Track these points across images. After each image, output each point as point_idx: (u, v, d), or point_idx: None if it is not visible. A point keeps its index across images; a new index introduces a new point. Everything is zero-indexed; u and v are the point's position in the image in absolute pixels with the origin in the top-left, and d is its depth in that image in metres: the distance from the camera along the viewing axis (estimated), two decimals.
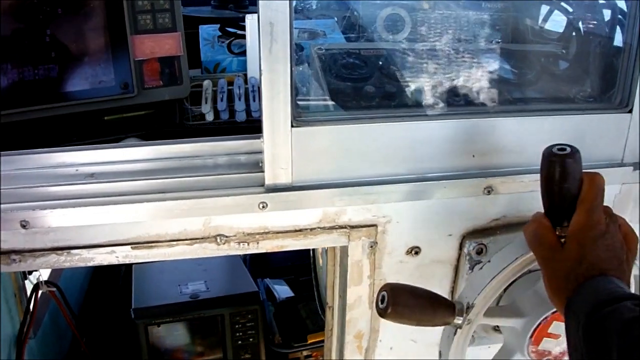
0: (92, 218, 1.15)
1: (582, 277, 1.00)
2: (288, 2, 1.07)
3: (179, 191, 1.18)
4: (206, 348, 2.14)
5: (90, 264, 1.21)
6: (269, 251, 1.26)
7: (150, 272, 2.28)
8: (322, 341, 2.03)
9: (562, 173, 1.06)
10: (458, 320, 1.16)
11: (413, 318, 1.13)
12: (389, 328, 1.38)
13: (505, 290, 1.33)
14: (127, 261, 1.22)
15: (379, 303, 1.12)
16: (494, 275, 1.15)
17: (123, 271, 2.76)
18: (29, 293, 2.08)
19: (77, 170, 1.21)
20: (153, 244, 1.21)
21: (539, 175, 1.23)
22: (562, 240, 1.07)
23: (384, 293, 1.11)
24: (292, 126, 1.15)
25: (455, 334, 1.18)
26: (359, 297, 1.34)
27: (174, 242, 1.22)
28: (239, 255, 2.44)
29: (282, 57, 1.10)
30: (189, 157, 1.24)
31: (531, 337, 1.25)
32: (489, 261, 1.19)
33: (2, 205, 1.13)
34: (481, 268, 1.19)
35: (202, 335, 2.12)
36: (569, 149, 1.06)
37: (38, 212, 1.13)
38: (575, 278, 1.00)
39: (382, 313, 1.11)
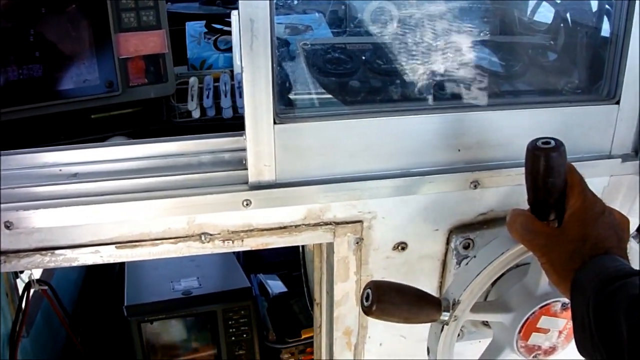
0: (75, 218, 1.14)
1: (587, 256, 0.99)
2: None
3: (163, 190, 1.17)
4: (200, 344, 2.14)
5: (75, 264, 1.20)
6: (253, 249, 1.26)
7: (143, 269, 2.28)
8: None
9: (546, 167, 1.05)
10: (445, 317, 1.15)
11: (398, 315, 1.12)
12: (378, 324, 1.37)
13: (492, 285, 1.33)
14: (111, 261, 1.21)
15: (364, 301, 1.11)
16: (479, 271, 1.15)
17: (117, 269, 2.76)
18: (20, 292, 2.08)
19: (60, 170, 1.20)
20: (137, 243, 1.20)
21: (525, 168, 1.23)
22: None
23: (368, 290, 1.10)
24: (274, 123, 1.15)
25: (442, 330, 1.17)
26: (346, 294, 1.33)
27: (158, 241, 1.21)
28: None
29: (262, 53, 1.09)
30: (172, 156, 1.23)
31: (520, 332, 1.25)
32: (475, 256, 1.18)
33: None
34: (467, 263, 1.18)
35: (195, 332, 2.12)
36: (553, 143, 1.05)
37: (22, 213, 1.12)
38: (580, 257, 1.00)
39: (367, 311, 1.10)
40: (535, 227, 1.08)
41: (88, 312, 2.58)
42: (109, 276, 2.75)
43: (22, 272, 2.11)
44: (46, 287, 2.12)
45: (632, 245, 1.20)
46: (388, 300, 1.11)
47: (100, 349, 2.38)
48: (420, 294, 1.16)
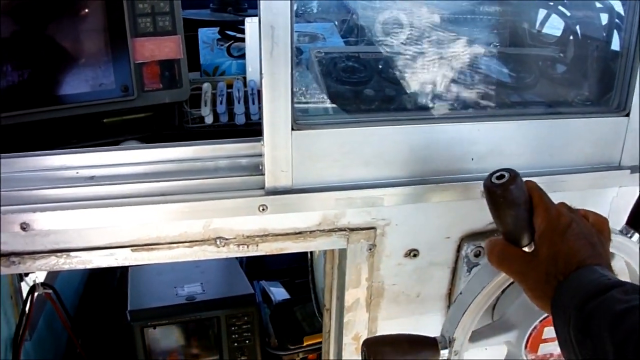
0: (92, 220, 1.15)
1: (561, 275, 0.98)
2: (289, 4, 1.07)
3: (180, 194, 1.18)
4: (202, 350, 2.14)
5: (90, 266, 1.21)
6: (268, 254, 1.27)
7: (146, 274, 2.28)
8: (318, 343, 2.04)
9: (505, 201, 1.05)
10: (444, 356, 1.16)
11: None
12: (387, 331, 1.38)
13: (494, 307, 1.35)
14: (126, 263, 1.22)
15: (363, 358, 1.13)
16: (467, 307, 1.15)
17: (119, 273, 2.76)
18: (24, 295, 2.08)
19: (77, 172, 1.21)
20: (153, 247, 1.21)
21: (537, 177, 1.24)
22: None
23: (364, 349, 1.13)
24: (292, 129, 1.16)
25: None
26: (357, 300, 1.34)
27: (174, 245, 1.22)
28: (236, 257, 2.45)
29: (282, 60, 1.10)
30: (189, 160, 1.24)
31: (526, 347, 1.26)
32: (461, 293, 1.19)
33: (2, 208, 1.12)
34: (455, 301, 1.19)
35: (198, 338, 2.12)
36: (507, 175, 1.05)
37: (38, 215, 1.12)
38: (555, 278, 0.99)
39: None
40: (510, 254, 1.07)
41: (90, 316, 2.58)
42: (111, 281, 2.75)
43: (27, 275, 2.11)
44: (50, 291, 2.12)
45: (620, 240, 1.21)
46: (382, 355, 1.12)
47: (102, 353, 2.37)
48: (414, 340, 1.17)
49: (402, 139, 1.24)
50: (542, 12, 1.67)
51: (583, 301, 0.91)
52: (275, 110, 1.14)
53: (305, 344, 2.14)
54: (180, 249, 1.22)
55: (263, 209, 1.19)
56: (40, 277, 2.14)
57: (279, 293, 2.37)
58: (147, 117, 1.53)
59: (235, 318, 2.07)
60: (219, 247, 1.23)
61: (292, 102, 1.14)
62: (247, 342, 2.11)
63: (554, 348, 1.27)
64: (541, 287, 1.01)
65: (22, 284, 2.13)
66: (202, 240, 1.23)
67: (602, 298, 0.90)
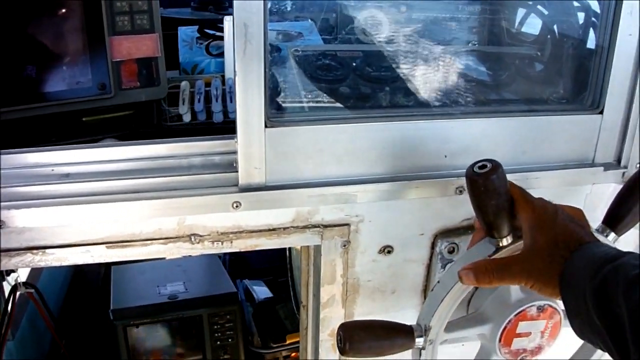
0: (67, 218, 1.15)
1: (567, 253, 0.99)
2: (262, 3, 1.08)
3: (154, 191, 1.19)
4: (185, 349, 2.15)
5: (65, 263, 1.21)
6: (242, 250, 1.27)
7: (129, 273, 2.29)
8: None
9: (487, 190, 1.06)
10: (419, 344, 1.17)
11: (372, 352, 1.15)
12: None
13: (469, 301, 1.36)
14: (102, 260, 1.22)
15: (338, 343, 1.14)
16: (444, 295, 1.15)
17: (102, 273, 2.76)
18: (6, 294, 2.07)
19: (52, 170, 1.21)
20: (128, 244, 1.22)
21: (511, 174, 1.25)
22: (505, 246, 1.09)
23: (340, 333, 1.14)
24: (265, 126, 1.16)
25: (420, 355, 1.18)
26: (333, 296, 1.35)
27: (149, 242, 1.22)
28: (218, 256, 2.45)
29: (256, 58, 1.11)
30: (163, 158, 1.24)
31: (500, 340, 1.27)
32: (438, 282, 1.19)
33: None
34: (432, 289, 1.20)
35: (181, 336, 2.12)
36: (489, 165, 1.06)
37: (13, 212, 1.13)
38: (560, 258, 0.99)
39: (342, 351, 1.14)
40: (504, 263, 1.07)
41: (74, 315, 2.57)
42: (94, 280, 2.75)
43: (8, 274, 2.10)
44: (32, 290, 2.11)
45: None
46: (358, 340, 1.13)
47: (85, 352, 2.37)
48: (390, 326, 1.17)
49: (376, 136, 1.24)
50: (521, 11, 1.68)
51: (596, 269, 0.92)
52: (249, 108, 1.14)
53: (287, 342, 2.15)
54: (154, 245, 1.22)
55: (237, 206, 1.19)
56: (22, 276, 2.14)
57: (261, 292, 2.38)
58: (126, 116, 1.54)
59: (218, 317, 2.08)
60: (193, 243, 1.23)
61: (266, 100, 1.14)
62: (229, 340, 2.12)
63: (528, 343, 1.28)
64: (547, 272, 1.00)
65: (4, 283, 2.13)
66: (176, 237, 1.23)
67: (615, 264, 0.90)
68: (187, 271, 2.29)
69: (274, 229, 1.26)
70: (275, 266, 2.49)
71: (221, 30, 1.74)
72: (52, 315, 2.27)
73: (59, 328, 2.32)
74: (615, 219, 1.21)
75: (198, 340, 2.11)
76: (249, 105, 1.14)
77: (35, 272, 2.30)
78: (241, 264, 2.57)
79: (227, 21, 1.63)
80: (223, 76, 1.65)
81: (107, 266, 2.52)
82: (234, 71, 1.12)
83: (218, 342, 2.11)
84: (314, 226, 1.28)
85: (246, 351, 2.17)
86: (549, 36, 1.59)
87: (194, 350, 2.14)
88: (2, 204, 1.14)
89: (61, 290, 2.72)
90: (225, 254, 2.50)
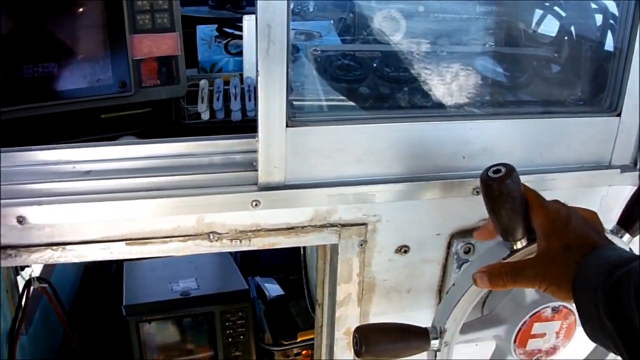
0: (87, 214, 1.16)
1: (579, 256, 0.99)
2: (286, 3, 1.09)
3: (174, 189, 1.19)
4: (197, 345, 2.15)
5: (85, 259, 1.22)
6: (260, 249, 1.28)
7: (141, 270, 2.29)
8: (312, 339, 2.04)
9: (501, 195, 1.06)
10: (435, 346, 1.18)
11: (388, 354, 1.16)
12: None
13: (484, 303, 1.37)
14: (121, 257, 1.23)
15: (354, 345, 1.15)
16: (459, 298, 1.16)
17: (114, 269, 2.77)
18: (20, 290, 2.08)
19: (74, 167, 1.22)
20: (147, 241, 1.23)
21: (527, 176, 1.26)
22: (520, 249, 1.10)
23: (356, 336, 1.14)
24: (286, 126, 1.17)
25: (436, 356, 1.19)
26: (349, 295, 1.36)
27: (168, 239, 1.23)
28: (229, 253, 2.46)
29: (278, 58, 1.12)
30: (184, 156, 1.25)
31: (515, 342, 1.27)
32: (453, 284, 1.20)
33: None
34: (447, 292, 1.20)
35: (192, 333, 2.13)
36: (503, 170, 1.06)
37: (34, 208, 1.14)
38: (573, 261, 0.99)
39: (358, 354, 1.14)
40: (518, 266, 1.08)
41: (85, 311, 2.59)
42: (106, 276, 2.76)
43: (22, 269, 2.12)
44: (46, 285, 2.13)
45: (612, 239, 1.22)
46: (374, 342, 1.14)
47: (97, 348, 2.38)
48: (405, 329, 1.18)
49: (394, 137, 1.25)
50: (537, 13, 1.68)
51: (608, 272, 0.92)
52: (270, 107, 1.15)
53: (299, 339, 2.15)
54: (174, 243, 1.24)
55: (256, 205, 1.20)
56: (36, 271, 2.15)
57: (273, 289, 2.38)
58: (144, 113, 1.54)
59: (230, 313, 2.09)
60: (212, 241, 1.24)
61: (287, 100, 1.15)
62: (241, 337, 2.12)
63: (542, 344, 1.29)
64: (560, 275, 1.01)
65: (18, 278, 2.14)
66: (195, 235, 1.24)
67: (627, 268, 0.91)
68: (198, 268, 2.30)
69: (292, 228, 1.27)
70: (287, 264, 2.50)
71: (240, 29, 1.75)
72: (64, 310, 2.29)
73: (71, 323, 2.33)
74: (630, 220, 1.22)
75: (209, 336, 2.11)
76: (270, 104, 1.15)
77: (48, 267, 2.31)
78: (253, 262, 2.58)
79: (247, 20, 1.63)
80: (241, 75, 1.66)
81: (119, 262, 2.53)
82: (256, 71, 1.13)
83: (230, 339, 2.11)
84: (332, 225, 1.28)
85: (257, 348, 2.17)
86: (566, 38, 1.60)
87: (205, 346, 2.15)
88: (23, 200, 1.15)
89: (72, 285, 2.73)
90: (236, 251, 2.51)
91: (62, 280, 2.46)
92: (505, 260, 1.11)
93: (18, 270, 2.11)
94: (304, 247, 1.91)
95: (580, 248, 1.01)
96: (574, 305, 0.99)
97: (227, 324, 2.09)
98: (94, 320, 2.51)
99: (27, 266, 2.08)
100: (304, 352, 2.17)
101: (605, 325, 0.91)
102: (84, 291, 2.75)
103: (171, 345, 2.13)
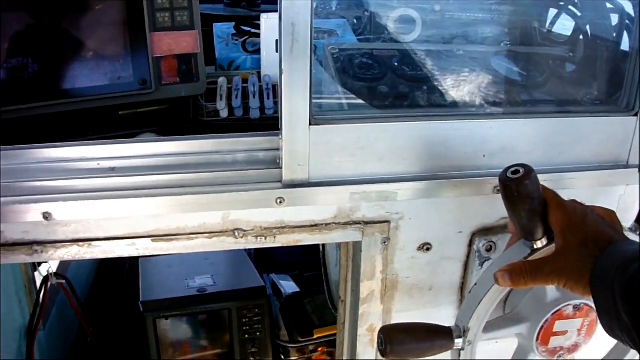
0: (113, 211, 1.17)
1: (597, 251, 1.00)
2: (310, 3, 1.10)
3: (199, 186, 1.20)
4: (213, 342, 2.17)
5: (111, 255, 1.23)
6: (284, 245, 1.29)
7: (157, 266, 2.31)
8: (328, 336, 2.07)
9: (520, 195, 1.07)
10: (458, 345, 1.18)
11: (413, 353, 1.17)
12: None
13: (506, 300, 1.38)
14: (147, 253, 1.24)
15: (379, 345, 1.16)
16: (482, 297, 1.17)
17: (128, 265, 2.79)
18: (38, 285, 2.10)
19: (98, 164, 1.23)
20: (173, 237, 1.24)
21: (546, 175, 1.27)
22: (540, 249, 1.10)
23: (381, 336, 1.15)
24: (310, 124, 1.18)
25: (460, 355, 1.20)
26: (372, 292, 1.37)
27: (194, 236, 1.24)
28: (244, 250, 2.47)
29: (302, 56, 1.13)
30: (208, 153, 1.26)
31: (537, 339, 1.28)
32: (476, 284, 1.20)
33: (25, 197, 1.15)
34: (470, 291, 1.21)
35: (209, 329, 2.15)
36: (522, 170, 1.07)
37: (60, 204, 1.15)
38: (591, 257, 1.00)
39: (383, 354, 1.15)
40: (537, 264, 1.09)
41: (100, 306, 2.61)
42: (120, 273, 2.78)
43: (40, 265, 2.14)
44: (63, 281, 2.14)
45: (629, 237, 1.23)
46: (399, 342, 1.15)
47: (113, 343, 2.40)
48: (430, 328, 1.19)
49: (416, 135, 1.26)
50: (552, 12, 1.69)
51: (625, 266, 0.93)
52: (294, 106, 1.16)
53: (315, 336, 2.17)
54: (199, 239, 1.25)
55: (280, 202, 1.21)
56: (53, 267, 2.17)
57: (288, 286, 2.39)
58: (162, 110, 1.55)
59: (246, 310, 2.11)
60: (237, 238, 1.25)
61: (311, 98, 1.16)
62: (257, 334, 2.14)
63: (564, 341, 1.30)
64: (578, 271, 1.02)
65: (36, 274, 2.16)
66: (220, 232, 1.25)
67: None
68: (214, 264, 2.31)
69: (316, 225, 1.28)
70: (301, 261, 2.51)
71: (256, 27, 1.76)
72: (81, 305, 2.31)
73: (86, 318, 2.35)
74: None
75: (226, 333, 2.13)
76: (294, 103, 1.16)
77: (64, 263, 2.33)
78: (268, 259, 2.59)
79: (265, 19, 1.64)
80: (259, 73, 1.67)
81: (133, 258, 2.54)
82: (280, 69, 1.14)
83: (246, 336, 2.13)
84: (355, 223, 1.29)
85: (273, 345, 2.19)
86: (581, 37, 1.60)
87: (221, 343, 2.17)
88: (48, 196, 1.16)
89: (87, 281, 2.75)
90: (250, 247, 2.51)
91: (77, 276, 2.48)
92: (527, 260, 1.12)
93: (36, 266, 2.13)
94: (324, 245, 1.92)
95: (597, 244, 1.02)
96: (592, 301, 1.00)
97: (244, 320, 2.11)
98: (109, 315, 2.53)
99: (45, 262, 2.10)
100: (320, 349, 2.19)
101: (622, 318, 0.92)
102: (99, 287, 2.77)
103: (187, 341, 2.15)
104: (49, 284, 2.08)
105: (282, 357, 2.22)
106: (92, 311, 2.52)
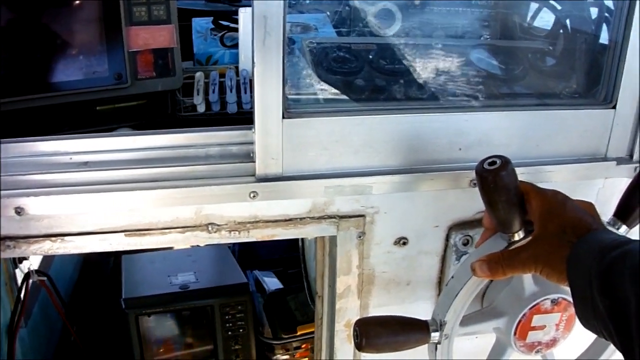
0: (86, 205, 1.16)
1: (574, 238, 0.99)
2: None
3: (172, 180, 1.20)
4: (196, 339, 2.17)
5: (84, 250, 1.22)
6: (259, 240, 1.28)
7: (140, 263, 2.30)
8: (312, 333, 2.05)
9: (497, 187, 1.06)
10: (435, 339, 1.18)
11: (388, 347, 1.16)
12: None
13: (483, 294, 1.38)
14: (120, 248, 1.23)
15: (355, 338, 1.15)
16: (458, 291, 1.16)
17: (112, 262, 2.78)
18: (19, 282, 2.09)
19: (71, 158, 1.22)
20: (146, 232, 1.23)
21: (524, 168, 1.26)
22: (517, 241, 1.10)
23: (356, 329, 1.15)
24: (283, 117, 1.17)
25: (436, 349, 1.20)
26: (348, 287, 1.36)
27: (167, 230, 1.23)
28: (228, 247, 2.46)
29: (274, 49, 1.12)
30: (181, 147, 1.25)
31: (515, 334, 1.28)
32: (453, 276, 1.19)
33: None
34: (447, 284, 1.21)
35: (192, 326, 2.14)
36: (499, 162, 1.06)
37: (32, 199, 1.14)
38: (567, 243, 0.99)
39: (359, 347, 1.15)
40: (514, 252, 1.08)
41: (84, 304, 2.59)
42: (104, 270, 2.76)
43: (21, 261, 2.12)
44: (44, 278, 2.13)
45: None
46: (374, 335, 1.14)
47: (96, 341, 2.39)
48: (405, 322, 1.19)
49: (391, 128, 1.25)
50: (533, 6, 1.68)
51: (603, 253, 0.92)
52: (267, 99, 1.15)
53: (298, 332, 2.17)
54: (172, 234, 1.24)
55: (254, 196, 1.20)
56: (34, 264, 2.16)
57: (272, 283, 2.39)
58: (140, 105, 1.55)
59: (229, 307, 2.10)
60: (210, 233, 1.24)
61: (284, 91, 1.16)
62: (240, 330, 2.14)
63: (542, 336, 1.29)
64: (554, 256, 1.01)
65: (17, 271, 2.15)
66: (194, 226, 1.24)
67: (623, 249, 0.91)
68: (197, 261, 2.31)
69: (290, 219, 1.27)
70: (285, 258, 2.51)
71: (235, 21, 1.75)
72: (63, 302, 2.29)
73: (70, 316, 2.34)
74: (627, 211, 1.21)
75: (209, 330, 2.13)
76: (266, 96, 1.15)
77: (47, 260, 2.31)
78: (251, 255, 2.59)
79: (242, 13, 1.64)
80: (237, 67, 1.66)
81: (117, 255, 2.53)
82: (252, 62, 1.13)
83: (229, 332, 2.12)
84: (330, 217, 1.29)
85: (257, 342, 2.18)
86: (561, 31, 1.60)
87: (205, 340, 2.16)
88: (21, 191, 1.15)
89: (71, 278, 2.74)
90: (234, 244, 2.51)
91: (60, 273, 2.47)
92: (497, 252, 1.11)
93: (17, 263, 2.11)
94: (303, 240, 1.91)
95: (575, 231, 1.01)
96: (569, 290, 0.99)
97: (227, 317, 2.11)
98: (92, 313, 2.51)
99: (25, 259, 2.08)
100: (303, 346, 2.18)
101: (597, 306, 0.91)
102: (82, 284, 2.76)
103: (170, 338, 2.14)
104: (31, 281, 2.06)
105: (267, 353, 2.21)
106: (76, 308, 2.51)
